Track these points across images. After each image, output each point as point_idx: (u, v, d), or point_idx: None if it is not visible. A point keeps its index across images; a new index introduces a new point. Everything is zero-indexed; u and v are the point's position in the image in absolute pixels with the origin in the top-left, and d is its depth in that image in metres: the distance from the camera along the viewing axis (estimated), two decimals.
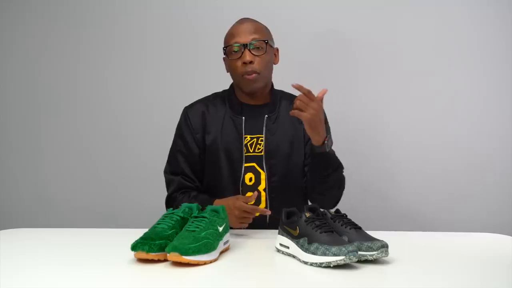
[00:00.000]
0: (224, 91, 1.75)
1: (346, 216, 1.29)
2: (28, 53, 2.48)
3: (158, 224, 1.25)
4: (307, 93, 1.43)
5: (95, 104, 2.45)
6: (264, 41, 1.59)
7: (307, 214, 1.22)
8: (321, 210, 1.27)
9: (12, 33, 2.49)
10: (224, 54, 1.66)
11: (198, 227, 1.19)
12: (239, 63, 1.58)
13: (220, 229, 1.24)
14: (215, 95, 1.75)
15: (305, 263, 1.16)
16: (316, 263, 1.13)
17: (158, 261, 1.16)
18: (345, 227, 1.23)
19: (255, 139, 1.63)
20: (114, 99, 2.44)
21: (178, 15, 2.39)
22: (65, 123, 2.47)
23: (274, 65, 1.69)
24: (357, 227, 1.24)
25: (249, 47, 1.58)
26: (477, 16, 2.24)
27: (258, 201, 1.62)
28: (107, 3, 2.44)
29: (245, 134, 1.62)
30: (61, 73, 2.47)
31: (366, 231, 1.24)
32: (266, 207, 1.61)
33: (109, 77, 2.44)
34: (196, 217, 1.24)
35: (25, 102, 2.50)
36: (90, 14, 2.45)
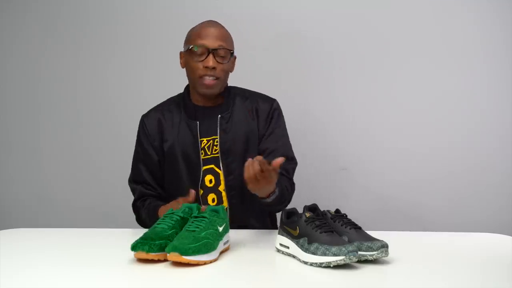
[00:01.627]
0: (179, 95, 1.75)
1: (346, 216, 1.29)
2: (29, 53, 2.48)
3: (158, 224, 1.25)
4: (272, 170, 1.31)
5: (95, 104, 2.45)
6: (230, 50, 1.61)
7: (307, 214, 1.22)
8: (321, 210, 1.28)
9: (12, 33, 2.49)
10: (185, 50, 1.63)
11: (198, 227, 1.19)
12: (200, 65, 1.57)
13: (220, 229, 1.24)
14: (170, 101, 1.75)
15: (305, 263, 1.16)
16: (316, 263, 1.13)
17: (158, 261, 1.16)
18: (345, 227, 1.23)
19: (211, 141, 1.63)
20: (114, 99, 2.44)
21: (178, 15, 2.39)
22: (65, 123, 2.47)
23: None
24: (357, 227, 1.24)
25: (213, 53, 1.57)
26: (477, 16, 2.24)
27: (220, 201, 1.63)
28: (107, 3, 2.44)
29: (200, 138, 1.62)
30: (61, 73, 2.47)
31: (366, 231, 1.24)
32: (228, 206, 1.62)
33: (109, 77, 2.44)
34: (196, 217, 1.24)
35: (25, 102, 2.50)
36: (90, 14, 2.45)
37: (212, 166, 1.62)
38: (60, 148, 2.47)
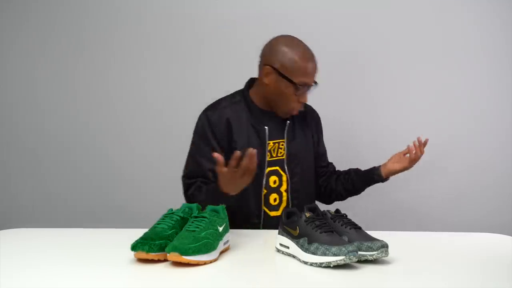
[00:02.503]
0: (239, 95, 1.74)
1: (346, 216, 1.29)
2: (29, 53, 2.48)
3: (158, 224, 1.25)
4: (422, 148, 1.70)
5: (96, 104, 2.45)
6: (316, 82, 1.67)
7: (307, 214, 1.22)
8: (321, 210, 1.28)
9: (12, 33, 2.49)
10: (282, 76, 1.61)
11: (198, 227, 1.19)
12: (296, 98, 1.63)
13: (220, 229, 1.24)
14: (231, 102, 1.72)
15: (305, 263, 1.16)
16: (316, 263, 1.13)
17: (158, 261, 1.16)
18: (345, 227, 1.23)
19: (277, 144, 1.69)
20: (114, 99, 2.44)
21: (178, 15, 2.39)
22: (65, 123, 2.47)
23: None
24: (357, 227, 1.24)
25: (309, 89, 1.65)
26: (477, 16, 2.24)
27: (280, 201, 1.68)
28: (106, 3, 2.44)
29: (268, 140, 1.67)
30: (61, 73, 2.47)
31: (366, 231, 1.24)
32: (287, 206, 1.68)
33: (110, 77, 2.44)
34: (196, 217, 1.24)
35: (25, 102, 2.50)
36: (89, 14, 2.45)
37: (277, 168, 1.68)
38: (60, 148, 2.47)
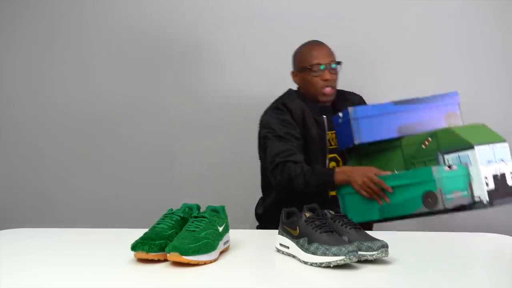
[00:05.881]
0: (292, 95, 1.90)
1: (346, 216, 1.29)
2: (30, 53, 2.48)
3: (158, 224, 1.25)
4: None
5: (96, 103, 2.45)
6: (338, 62, 1.87)
7: (307, 214, 1.22)
8: (321, 210, 1.27)
9: (12, 33, 2.49)
10: (299, 71, 1.88)
11: (198, 227, 1.19)
12: (317, 79, 1.82)
13: (220, 229, 1.24)
14: (291, 98, 1.89)
15: (305, 263, 1.16)
16: (316, 263, 1.13)
17: (158, 261, 1.16)
18: (345, 227, 1.23)
19: (334, 133, 1.86)
20: (114, 99, 2.44)
21: (177, 15, 2.39)
22: (65, 123, 2.47)
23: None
24: (357, 227, 1.24)
25: (328, 68, 1.83)
26: (477, 17, 2.24)
27: None
28: (106, 2, 2.44)
29: (328, 131, 1.86)
30: (61, 72, 2.47)
31: (366, 231, 1.24)
32: None
33: (109, 77, 2.44)
34: (196, 217, 1.24)
35: (25, 102, 2.50)
36: (90, 14, 2.45)
37: (335, 155, 1.87)
38: (60, 148, 2.47)
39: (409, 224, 2.22)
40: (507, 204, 1.55)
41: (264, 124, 1.86)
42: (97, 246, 1.37)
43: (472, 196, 1.53)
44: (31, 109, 2.49)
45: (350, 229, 1.22)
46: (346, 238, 1.19)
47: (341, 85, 2.28)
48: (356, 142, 1.69)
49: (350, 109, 1.71)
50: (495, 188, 1.52)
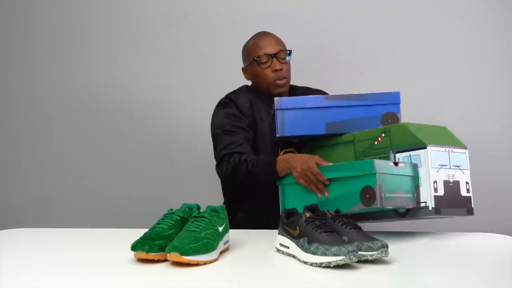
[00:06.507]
0: (245, 87, 1.87)
1: (346, 216, 1.29)
2: (29, 53, 2.48)
3: (158, 224, 1.25)
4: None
5: (95, 104, 2.45)
6: (288, 51, 1.80)
7: (307, 214, 1.22)
8: (321, 210, 1.27)
9: (12, 33, 2.49)
10: (248, 65, 1.83)
11: (198, 227, 1.19)
12: (268, 71, 1.77)
13: (220, 229, 1.24)
14: (243, 90, 1.85)
15: (305, 263, 1.16)
16: (316, 263, 1.13)
17: (158, 261, 1.16)
18: (345, 227, 1.23)
19: None
20: (114, 99, 2.44)
21: (177, 14, 2.39)
22: (65, 123, 2.47)
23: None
24: (357, 227, 1.24)
25: (277, 57, 1.77)
26: (476, 16, 2.24)
27: None
28: (106, 2, 2.44)
29: None
30: (61, 72, 2.47)
31: (366, 231, 1.24)
32: None
33: (109, 77, 2.44)
34: (196, 217, 1.24)
35: (25, 102, 2.50)
36: (89, 14, 2.45)
37: (292, 149, 1.78)
38: (60, 148, 2.48)
39: (409, 224, 2.23)
40: (457, 215, 1.43)
41: (213, 123, 1.80)
42: (97, 246, 1.37)
43: (418, 200, 1.40)
44: (31, 109, 2.49)
45: (350, 229, 1.22)
46: (346, 238, 1.19)
47: (341, 85, 2.29)
48: (279, 135, 1.60)
49: (277, 99, 1.61)
50: (444, 195, 1.40)
